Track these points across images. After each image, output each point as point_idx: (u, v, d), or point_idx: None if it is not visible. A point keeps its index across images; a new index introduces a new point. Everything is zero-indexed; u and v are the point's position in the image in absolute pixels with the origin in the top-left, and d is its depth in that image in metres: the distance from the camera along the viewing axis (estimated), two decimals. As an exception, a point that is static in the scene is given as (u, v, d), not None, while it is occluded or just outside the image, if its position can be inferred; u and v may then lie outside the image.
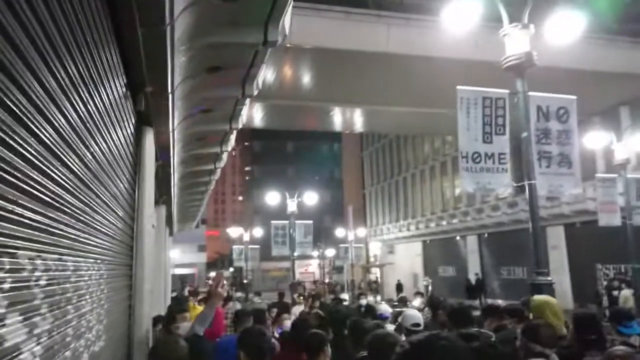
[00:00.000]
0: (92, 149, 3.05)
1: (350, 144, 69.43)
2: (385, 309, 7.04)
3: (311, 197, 22.35)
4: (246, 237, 33.44)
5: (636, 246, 15.46)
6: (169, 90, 4.75)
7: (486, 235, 28.75)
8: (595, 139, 13.75)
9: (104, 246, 3.61)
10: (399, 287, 30.71)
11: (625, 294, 14.42)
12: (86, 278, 2.93)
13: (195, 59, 4.76)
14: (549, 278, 6.34)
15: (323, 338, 3.49)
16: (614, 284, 17.11)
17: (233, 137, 8.77)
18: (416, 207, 36.01)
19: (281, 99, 18.28)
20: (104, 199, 3.60)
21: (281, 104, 18.68)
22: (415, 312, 5.11)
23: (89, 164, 2.99)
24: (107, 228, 3.71)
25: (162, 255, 14.39)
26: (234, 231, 38.66)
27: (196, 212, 19.30)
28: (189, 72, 5.16)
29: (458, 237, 31.45)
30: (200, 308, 9.07)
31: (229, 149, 9.09)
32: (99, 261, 3.39)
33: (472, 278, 29.43)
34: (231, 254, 58.90)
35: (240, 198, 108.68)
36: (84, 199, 2.86)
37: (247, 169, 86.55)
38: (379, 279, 40.87)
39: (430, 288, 30.15)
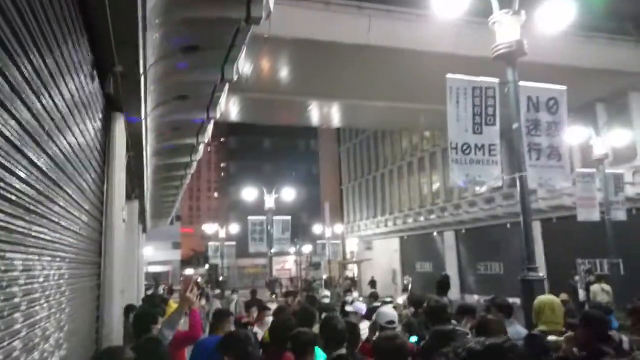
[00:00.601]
0: (51, 133, 2.64)
1: (327, 140, 69.18)
2: (359, 306, 6.90)
3: (289, 193, 21.97)
4: (222, 234, 32.84)
5: (614, 241, 15.59)
6: (141, 71, 4.31)
7: (463, 231, 28.84)
8: (573, 134, 13.72)
9: (65, 242, 3.19)
10: (373, 284, 30.62)
11: (595, 289, 14.36)
12: (41, 279, 2.52)
13: (169, 36, 4.35)
14: (540, 274, 6.12)
15: (310, 336, 3.35)
16: (591, 278, 17.23)
17: (210, 127, 8.36)
18: (394, 203, 35.95)
19: (258, 92, 17.83)
20: (66, 189, 3.17)
21: (258, 97, 18.21)
22: (389, 310, 4.98)
23: (46, 149, 2.57)
24: (68, 222, 3.28)
25: (135, 252, 13.83)
26: (209, 227, 38.01)
27: (171, 208, 18.73)
28: (163, 52, 4.74)
29: (435, 233, 31.49)
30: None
31: (206, 140, 8.70)
32: (58, 259, 2.97)
33: (450, 274, 29.53)
34: (206, 251, 58.16)
35: (216, 195, 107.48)
36: (39, 188, 2.45)
37: (222, 165, 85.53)
38: (355, 276, 40.78)
39: (410, 286, 30.18)
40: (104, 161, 4.99)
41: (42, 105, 2.44)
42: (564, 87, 6.93)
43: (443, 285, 6.91)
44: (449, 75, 6.38)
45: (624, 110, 20.35)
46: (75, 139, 3.50)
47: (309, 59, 15.98)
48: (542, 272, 20.39)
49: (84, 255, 4.09)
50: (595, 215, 13.87)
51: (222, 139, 77.49)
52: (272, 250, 19.85)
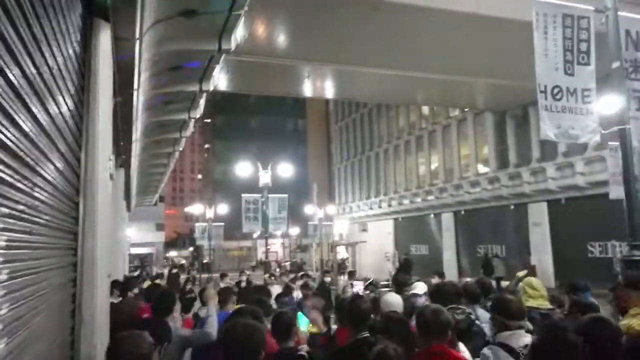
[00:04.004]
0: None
1: (315, 120, 67.64)
2: None
3: (285, 169, 20.54)
4: (209, 214, 31.31)
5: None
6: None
7: (463, 212, 27.74)
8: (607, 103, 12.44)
9: (22, 196, 1.74)
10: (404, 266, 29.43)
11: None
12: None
13: None
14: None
15: (290, 318, 3.42)
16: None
17: (203, 101, 7.36)
18: (389, 184, 34.68)
19: (252, 56, 16.17)
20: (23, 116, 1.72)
21: (252, 62, 16.50)
22: (394, 298, 4.70)
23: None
24: (25, 164, 1.83)
25: (120, 231, 12.29)
26: (196, 208, 36.43)
27: (158, 184, 17.14)
28: None
29: (432, 215, 30.37)
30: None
31: (197, 115, 7.72)
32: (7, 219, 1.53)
33: (447, 256, 28.53)
34: (191, 233, 56.52)
35: (200, 176, 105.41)
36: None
37: (206, 146, 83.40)
38: (347, 259, 39.61)
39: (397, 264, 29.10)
40: (82, 87, 3.48)
41: None
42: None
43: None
44: (537, -1, 4.94)
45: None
46: (37, 45, 2.08)
47: (311, 19, 14.41)
48: (547, 257, 19.46)
49: (51, 218, 2.63)
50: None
51: (206, 120, 75.50)
52: (270, 230, 18.42)
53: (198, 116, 7.69)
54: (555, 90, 4.78)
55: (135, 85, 5.35)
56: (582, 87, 4.95)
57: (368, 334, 3.35)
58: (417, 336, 2.97)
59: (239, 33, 4.92)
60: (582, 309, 3.73)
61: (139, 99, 5.95)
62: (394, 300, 4.68)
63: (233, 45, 4.72)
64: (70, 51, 3.14)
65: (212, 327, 3.94)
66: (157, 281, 13.53)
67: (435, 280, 7.43)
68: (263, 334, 2.62)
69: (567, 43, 4.91)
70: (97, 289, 3.21)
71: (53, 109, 2.63)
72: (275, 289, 9.82)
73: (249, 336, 2.48)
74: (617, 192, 13.34)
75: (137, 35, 4.13)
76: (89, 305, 3.18)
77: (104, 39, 3.63)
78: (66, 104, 3.03)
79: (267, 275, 13.65)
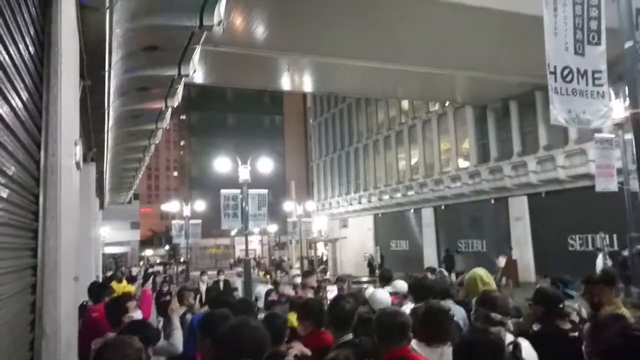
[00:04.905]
0: None
1: (293, 116, 67.19)
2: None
3: (265, 164, 20.03)
4: (186, 212, 30.55)
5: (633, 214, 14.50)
6: None
7: (443, 207, 27.63)
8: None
9: None
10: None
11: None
12: None
13: None
14: None
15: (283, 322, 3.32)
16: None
17: (181, 88, 6.86)
18: (368, 180, 34.40)
19: (230, 47, 15.59)
20: None
21: (229, 53, 15.86)
22: (384, 295, 4.73)
23: None
24: None
25: (92, 229, 11.63)
26: (172, 205, 35.58)
27: (133, 181, 16.44)
28: None
29: (412, 210, 30.23)
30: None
31: (175, 104, 7.20)
32: None
33: (427, 252, 28.42)
34: (167, 231, 55.38)
35: (175, 174, 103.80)
36: None
37: (182, 143, 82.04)
38: (325, 255, 39.30)
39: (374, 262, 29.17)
40: (41, 60, 2.96)
41: None
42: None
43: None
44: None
45: None
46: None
47: (290, 9, 13.94)
48: (528, 251, 19.39)
49: (4, 213, 2.15)
50: (613, 186, 12.58)
51: (182, 117, 74.26)
52: (249, 227, 17.88)
53: (176, 105, 7.15)
54: (565, 72, 4.46)
55: (107, 67, 4.84)
56: (592, 68, 4.64)
57: (352, 336, 3.25)
58: (376, 341, 2.84)
59: (222, 8, 4.42)
60: (543, 299, 3.66)
61: (111, 82, 5.42)
62: (382, 297, 4.67)
63: (216, 21, 4.24)
64: (25, 15, 2.64)
65: (178, 340, 3.99)
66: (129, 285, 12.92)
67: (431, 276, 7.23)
68: (266, 335, 2.45)
69: (578, 21, 4.59)
70: (59, 295, 2.72)
71: (2, 82, 2.15)
72: (263, 289, 9.41)
73: (253, 336, 2.33)
74: (603, 184, 13.30)
75: (107, 3, 3.62)
76: (52, 315, 2.68)
77: (67, 4, 3.11)
78: (20, 77, 2.53)
79: (262, 274, 13.13)
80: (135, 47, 4.97)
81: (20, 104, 2.53)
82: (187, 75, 5.97)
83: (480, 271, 4.53)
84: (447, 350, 2.71)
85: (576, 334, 3.26)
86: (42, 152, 2.86)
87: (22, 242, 2.60)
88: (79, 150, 3.18)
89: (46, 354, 2.66)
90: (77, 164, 3.29)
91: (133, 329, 2.92)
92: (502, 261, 18.22)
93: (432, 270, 7.97)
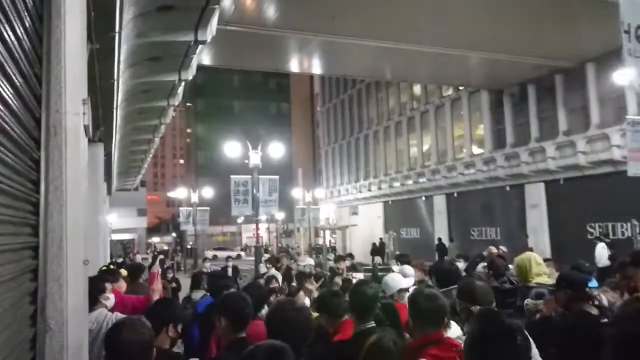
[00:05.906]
0: None
1: (299, 103, 66.46)
2: None
3: (275, 149, 19.50)
4: (194, 198, 30.16)
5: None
6: None
7: (455, 194, 27.06)
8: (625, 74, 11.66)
9: None
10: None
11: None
12: None
13: None
14: None
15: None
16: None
17: (196, 59, 6.38)
18: (378, 167, 33.82)
19: (239, 25, 15.02)
20: None
21: (238, 32, 15.26)
22: (398, 278, 4.62)
23: None
24: None
25: (99, 215, 11.18)
26: (179, 192, 35.22)
27: (141, 165, 15.99)
28: None
29: (423, 197, 29.67)
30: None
31: (190, 76, 6.70)
32: None
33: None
34: (174, 218, 55.19)
35: (182, 161, 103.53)
36: None
37: (188, 130, 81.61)
38: (333, 242, 38.86)
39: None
40: (40, 15, 2.44)
41: None
42: None
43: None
44: None
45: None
46: None
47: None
48: (544, 239, 18.83)
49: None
50: (646, 170, 11.95)
51: (188, 104, 73.74)
52: (260, 214, 17.42)
53: (190, 77, 6.62)
54: (641, 31, 3.90)
55: (117, 27, 4.29)
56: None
57: (374, 325, 3.07)
58: (411, 324, 2.74)
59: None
60: (569, 284, 3.51)
61: (122, 47, 4.88)
62: (394, 281, 4.55)
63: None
64: None
65: None
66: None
67: (461, 264, 6.77)
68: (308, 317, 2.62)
69: (653, -27, 4.01)
70: (67, 282, 2.22)
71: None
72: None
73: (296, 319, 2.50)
74: (635, 168, 12.67)
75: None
76: (57, 307, 2.19)
77: None
78: (15, 15, 2.01)
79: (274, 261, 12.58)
80: (149, 5, 4.43)
81: (15, 47, 2.01)
82: (204, 42, 5.46)
83: (530, 255, 4.49)
84: None
85: (605, 320, 3.17)
86: (44, 108, 2.35)
87: (19, 216, 2.10)
88: (87, 110, 2.67)
89: (50, 353, 2.18)
90: (86, 128, 2.78)
91: (158, 308, 3.12)
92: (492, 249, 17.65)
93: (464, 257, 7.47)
